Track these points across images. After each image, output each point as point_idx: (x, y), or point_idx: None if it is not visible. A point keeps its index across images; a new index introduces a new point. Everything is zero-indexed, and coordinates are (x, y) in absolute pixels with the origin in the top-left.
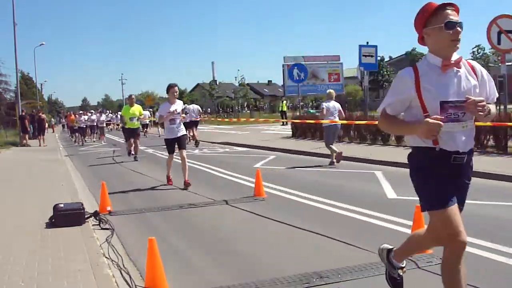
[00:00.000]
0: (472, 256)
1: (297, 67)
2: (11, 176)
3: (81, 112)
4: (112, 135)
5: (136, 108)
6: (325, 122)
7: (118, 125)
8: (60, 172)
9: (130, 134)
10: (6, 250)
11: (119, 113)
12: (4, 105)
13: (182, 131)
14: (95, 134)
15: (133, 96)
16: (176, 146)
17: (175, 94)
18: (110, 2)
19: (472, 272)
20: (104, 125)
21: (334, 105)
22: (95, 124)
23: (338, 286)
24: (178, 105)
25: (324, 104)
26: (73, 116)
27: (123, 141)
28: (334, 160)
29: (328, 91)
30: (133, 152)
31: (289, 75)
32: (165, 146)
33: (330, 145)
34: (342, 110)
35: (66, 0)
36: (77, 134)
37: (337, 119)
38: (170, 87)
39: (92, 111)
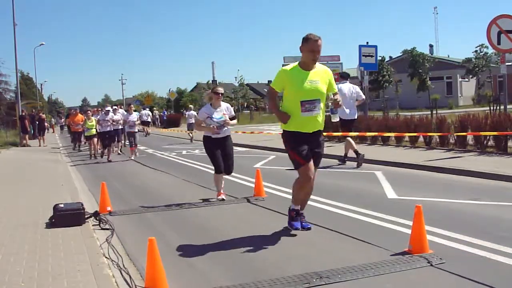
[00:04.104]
0: (472, 256)
1: None
2: (11, 176)
3: (108, 109)
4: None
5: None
6: None
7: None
8: (60, 172)
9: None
10: (6, 250)
11: (144, 110)
12: (4, 105)
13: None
14: (121, 143)
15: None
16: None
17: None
18: (110, 2)
19: (472, 272)
20: (136, 130)
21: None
22: (121, 127)
23: (338, 286)
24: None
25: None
26: (80, 116)
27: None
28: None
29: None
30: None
31: None
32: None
33: None
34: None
35: (66, 0)
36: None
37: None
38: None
39: (115, 106)
